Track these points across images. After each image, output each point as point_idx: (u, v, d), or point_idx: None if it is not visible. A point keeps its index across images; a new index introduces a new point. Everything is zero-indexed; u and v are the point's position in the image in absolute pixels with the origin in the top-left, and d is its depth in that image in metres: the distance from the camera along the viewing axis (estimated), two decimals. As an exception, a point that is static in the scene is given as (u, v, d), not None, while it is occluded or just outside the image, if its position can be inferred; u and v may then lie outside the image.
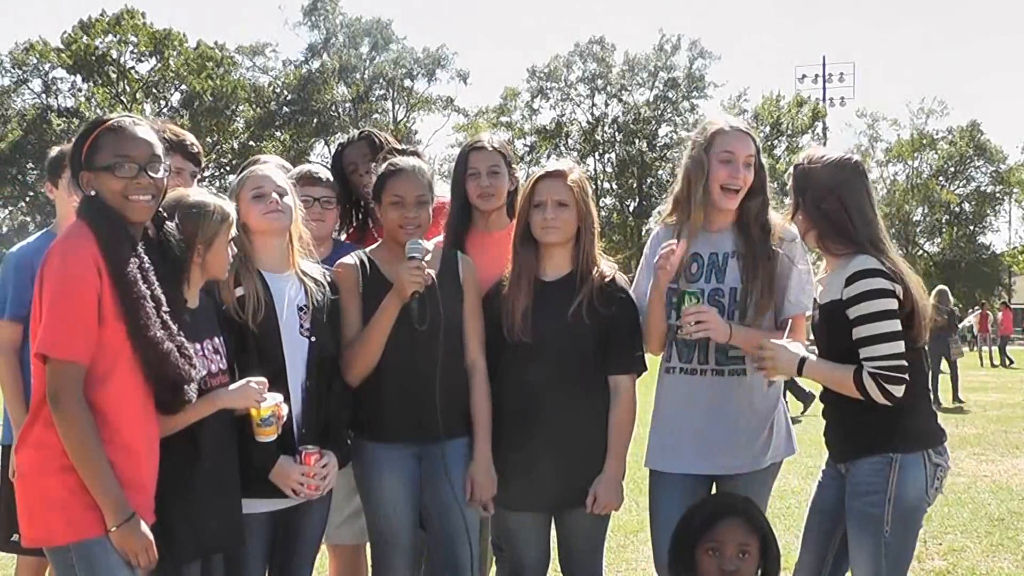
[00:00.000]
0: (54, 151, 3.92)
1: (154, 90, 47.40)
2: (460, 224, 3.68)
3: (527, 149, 48.72)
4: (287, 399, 2.97)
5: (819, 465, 3.26)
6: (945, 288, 15.23)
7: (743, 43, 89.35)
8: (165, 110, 46.09)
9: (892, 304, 2.90)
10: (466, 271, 3.39)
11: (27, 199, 45.26)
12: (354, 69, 49.31)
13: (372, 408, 3.23)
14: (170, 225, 2.74)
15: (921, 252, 49.90)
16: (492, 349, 3.33)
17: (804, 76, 51.75)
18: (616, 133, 49.54)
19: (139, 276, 2.53)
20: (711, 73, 67.79)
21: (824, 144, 43.69)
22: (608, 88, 49.88)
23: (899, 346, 2.89)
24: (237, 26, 75.29)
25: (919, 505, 2.97)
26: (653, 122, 49.52)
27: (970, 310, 33.38)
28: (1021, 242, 53.96)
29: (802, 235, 3.15)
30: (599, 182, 48.06)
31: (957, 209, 52.14)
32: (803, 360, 3.01)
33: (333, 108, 49.19)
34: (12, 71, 45.60)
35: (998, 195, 53.54)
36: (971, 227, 52.66)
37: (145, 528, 2.51)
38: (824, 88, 51.65)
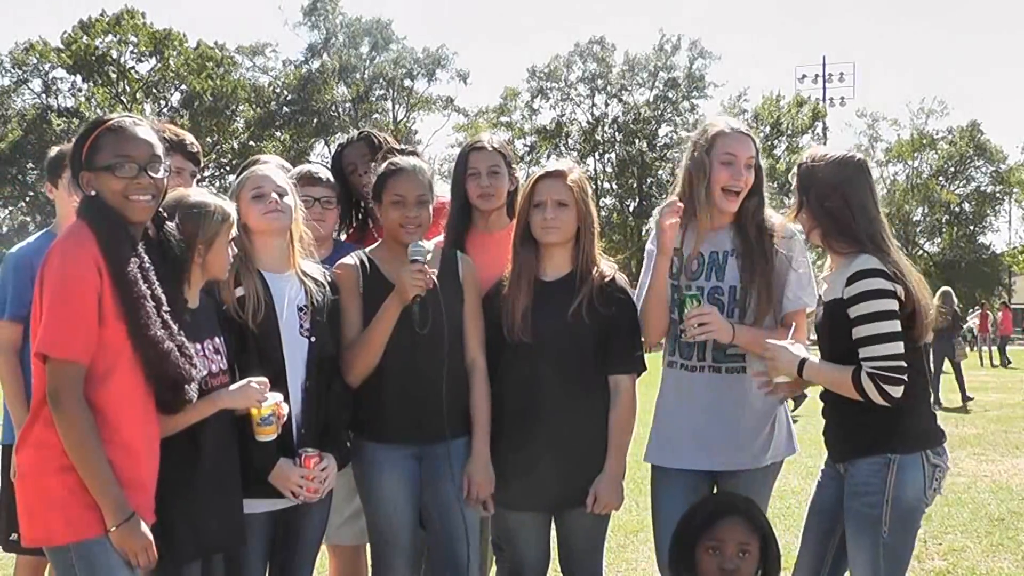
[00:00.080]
0: (53, 151, 3.93)
1: (154, 90, 47.38)
2: (460, 224, 3.68)
3: (527, 149, 48.69)
4: (286, 399, 2.97)
5: (819, 465, 3.27)
6: (949, 289, 15.23)
7: (743, 43, 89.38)
8: (165, 110, 46.09)
9: (892, 305, 2.91)
10: (466, 271, 3.39)
11: (27, 199, 45.25)
12: (354, 69, 49.29)
13: (372, 409, 3.23)
14: (170, 225, 2.74)
15: (921, 252, 49.88)
16: (492, 349, 3.33)
17: (804, 76, 51.77)
18: (616, 133, 49.52)
19: (139, 276, 2.53)
20: (711, 73, 67.91)
21: (824, 144, 43.70)
22: (608, 88, 49.85)
23: (898, 347, 2.89)
24: (237, 26, 75.23)
25: (917, 506, 2.97)
26: (653, 122, 49.49)
27: (970, 310, 33.38)
28: (1021, 242, 53.99)
29: (806, 233, 3.16)
30: (599, 182, 48.05)
31: (957, 209, 52.13)
32: (803, 361, 3.01)
33: (333, 108, 49.18)
34: (12, 71, 45.59)
35: (998, 195, 53.54)
36: (971, 227, 52.66)
37: (145, 528, 2.51)
38: (824, 88, 51.66)
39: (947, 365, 14.86)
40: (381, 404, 3.21)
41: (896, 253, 3.01)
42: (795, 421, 3.68)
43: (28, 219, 45.02)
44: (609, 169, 50.01)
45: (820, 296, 3.17)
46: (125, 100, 44.62)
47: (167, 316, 2.57)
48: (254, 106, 47.96)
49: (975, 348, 27.30)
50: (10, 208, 47.59)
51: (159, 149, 2.65)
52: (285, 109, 48.64)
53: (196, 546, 2.77)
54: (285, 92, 48.86)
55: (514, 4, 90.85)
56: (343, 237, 4.06)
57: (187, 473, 2.73)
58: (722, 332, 3.15)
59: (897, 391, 2.88)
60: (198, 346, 2.74)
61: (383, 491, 3.23)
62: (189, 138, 3.75)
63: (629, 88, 50.08)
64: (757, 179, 3.32)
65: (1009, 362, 25.16)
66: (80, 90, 46.26)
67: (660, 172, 47.16)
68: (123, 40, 45.74)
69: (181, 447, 2.72)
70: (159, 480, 2.65)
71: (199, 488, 2.75)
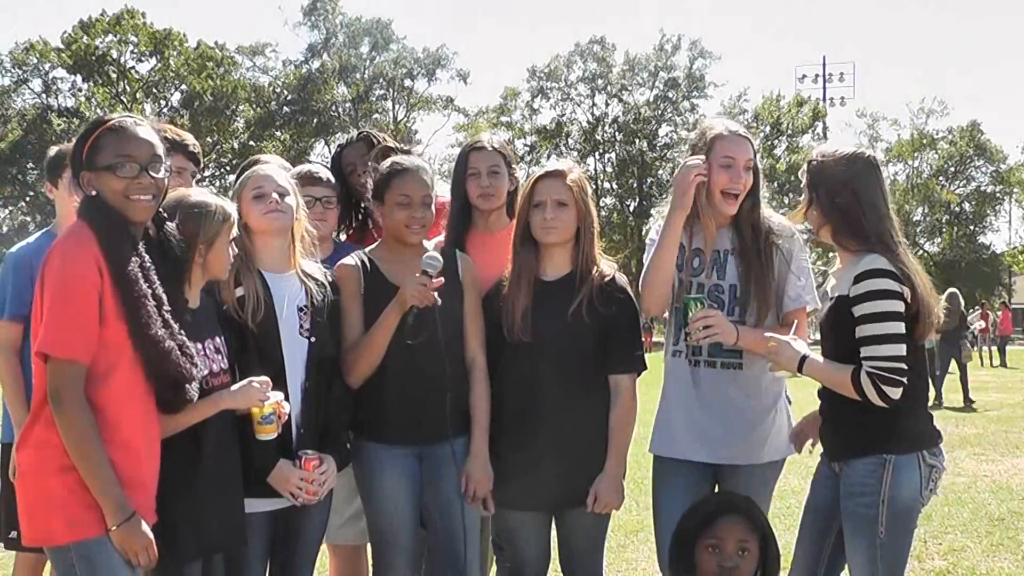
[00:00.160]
0: (53, 151, 3.93)
1: (154, 90, 47.38)
2: (460, 224, 3.68)
3: (527, 149, 48.65)
4: (286, 400, 2.97)
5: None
6: (956, 291, 15.23)
7: (743, 43, 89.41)
8: (165, 110, 46.10)
9: (898, 306, 2.91)
10: (466, 270, 3.39)
11: (27, 199, 45.25)
12: (354, 69, 49.29)
13: (373, 409, 3.23)
14: (170, 225, 2.74)
15: (921, 252, 49.84)
16: (492, 349, 3.33)
17: (804, 76, 51.84)
18: (616, 133, 49.49)
19: (140, 275, 2.53)
20: (711, 73, 67.84)
21: (824, 144, 43.58)
22: (608, 88, 49.83)
23: (900, 349, 2.89)
24: (237, 26, 75.37)
25: (914, 506, 2.98)
26: (653, 122, 49.47)
27: (971, 310, 33.38)
28: (1021, 242, 53.98)
29: (815, 230, 3.16)
30: (599, 182, 48.02)
31: (957, 209, 52.14)
32: (804, 358, 3.01)
33: (333, 108, 49.18)
34: (12, 71, 45.60)
35: (998, 195, 53.55)
36: (971, 227, 52.66)
37: (145, 527, 2.51)
38: (824, 88, 51.71)
39: (952, 365, 14.86)
40: (382, 404, 3.21)
41: (905, 253, 3.01)
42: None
43: (28, 219, 45.04)
44: (609, 169, 49.99)
45: (827, 292, 3.17)
46: (125, 100, 44.62)
47: (168, 315, 2.58)
48: (254, 106, 47.96)
49: (975, 348, 27.32)
50: (10, 208, 47.62)
51: (160, 149, 2.66)
52: (285, 109, 48.64)
53: (197, 546, 2.77)
54: (285, 92, 48.85)
55: (514, 4, 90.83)
56: (343, 237, 4.06)
57: (188, 473, 2.73)
58: (727, 334, 3.16)
59: (896, 393, 2.88)
60: (199, 346, 2.74)
61: (384, 491, 3.23)
62: (190, 139, 3.76)
63: (629, 88, 50.07)
64: (755, 181, 3.33)
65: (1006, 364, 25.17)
66: (80, 90, 46.29)
67: (660, 172, 47.11)
68: (123, 40, 45.74)
69: (182, 447, 2.72)
70: (160, 480, 2.65)
71: (200, 488, 2.75)
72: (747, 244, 3.29)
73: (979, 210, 52.68)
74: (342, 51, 49.16)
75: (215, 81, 46.03)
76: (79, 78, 45.91)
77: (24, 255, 3.65)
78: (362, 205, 4.06)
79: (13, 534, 3.39)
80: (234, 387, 2.84)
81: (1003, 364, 25.27)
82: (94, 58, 44.91)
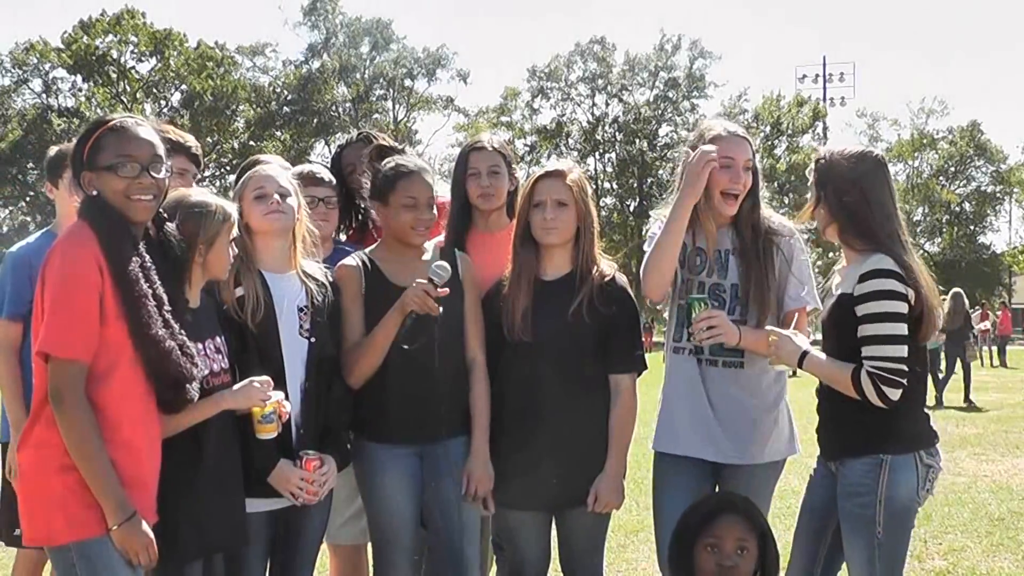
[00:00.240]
0: (53, 151, 3.93)
1: (154, 90, 47.40)
2: (460, 224, 3.68)
3: (527, 149, 48.67)
4: (286, 400, 2.97)
5: (817, 465, 3.27)
6: (960, 290, 15.22)
7: (743, 43, 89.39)
8: (165, 110, 46.10)
9: (902, 307, 2.91)
10: (465, 269, 3.39)
11: (27, 199, 45.28)
12: (354, 69, 49.30)
13: (374, 409, 3.23)
14: (170, 226, 2.74)
15: (921, 252, 49.83)
16: (492, 349, 3.33)
17: (804, 76, 51.84)
18: (616, 133, 49.50)
19: (141, 275, 2.53)
20: (711, 73, 67.82)
21: (825, 144, 43.57)
22: (609, 88, 49.84)
23: (902, 350, 2.89)
24: (237, 26, 75.42)
25: (911, 506, 2.98)
26: (653, 122, 49.49)
27: (971, 311, 33.35)
28: (1021, 242, 53.99)
29: (822, 229, 3.16)
30: (599, 182, 48.04)
31: (957, 209, 52.17)
32: (805, 353, 3.02)
33: (333, 108, 49.19)
34: (12, 71, 45.63)
35: (998, 195, 53.58)
36: (971, 227, 52.69)
37: (146, 527, 2.51)
38: (824, 88, 51.71)
39: (957, 366, 14.85)
40: (382, 404, 3.21)
41: (911, 254, 3.01)
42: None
43: (28, 219, 45.06)
44: (609, 169, 50.00)
45: (831, 289, 3.17)
46: (125, 100, 44.64)
47: (168, 315, 2.58)
48: (254, 106, 47.97)
49: (977, 347, 27.33)
50: (10, 208, 47.63)
51: (161, 149, 2.66)
52: (285, 109, 48.66)
53: (198, 546, 2.77)
54: (285, 92, 48.87)
55: (514, 4, 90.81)
56: (343, 238, 4.06)
57: (189, 473, 2.73)
58: (730, 335, 3.16)
59: (895, 394, 2.89)
60: (199, 345, 2.74)
61: (385, 490, 3.23)
62: (191, 140, 3.77)
63: (629, 88, 50.09)
64: (754, 181, 3.34)
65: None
66: (80, 90, 46.31)
67: (660, 172, 47.11)
68: (123, 40, 45.76)
69: (183, 447, 2.72)
70: (162, 480, 2.65)
71: (201, 487, 2.75)
72: (747, 244, 3.30)
73: (979, 210, 52.71)
74: (342, 51, 49.17)
75: (215, 81, 46.04)
76: (79, 78, 45.94)
77: (23, 255, 3.66)
78: (362, 205, 4.06)
79: (17, 531, 3.39)
80: (235, 387, 2.84)
81: (1003, 364, 25.27)
82: (94, 58, 44.93)
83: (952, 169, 52.52)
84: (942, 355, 14.66)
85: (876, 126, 53.29)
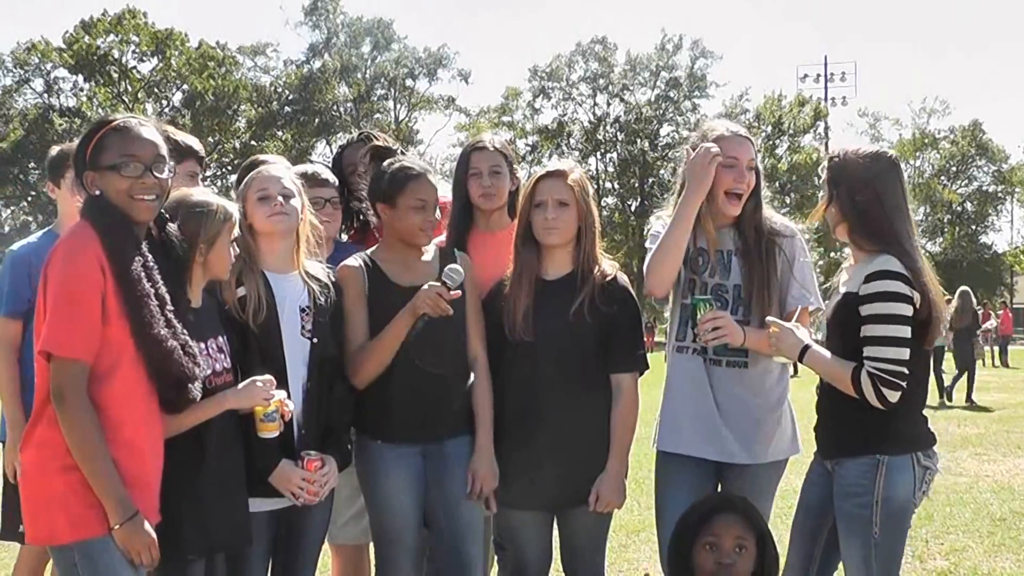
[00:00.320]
0: (55, 151, 3.94)
1: (156, 90, 47.42)
2: (461, 224, 3.68)
3: (529, 149, 48.68)
4: (288, 399, 2.97)
5: (816, 465, 3.27)
6: (967, 289, 15.18)
7: (745, 43, 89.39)
8: (167, 110, 46.12)
9: (906, 310, 2.90)
10: (465, 269, 3.39)
11: (29, 199, 45.32)
12: (355, 69, 49.31)
13: (377, 408, 3.23)
14: (172, 226, 2.75)
15: (923, 252, 49.84)
16: (494, 349, 3.33)
17: (806, 75, 51.76)
18: (618, 133, 49.50)
19: (143, 274, 2.53)
20: (713, 73, 67.55)
21: (826, 144, 43.66)
22: (610, 88, 49.84)
23: (904, 352, 2.89)
24: (238, 26, 75.59)
25: (907, 507, 2.98)
26: (655, 122, 49.49)
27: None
28: (1023, 242, 53.96)
29: (832, 228, 3.15)
30: (601, 182, 48.04)
31: (959, 209, 52.16)
32: (806, 347, 3.02)
33: (335, 108, 49.20)
34: (14, 71, 45.66)
35: (1000, 195, 53.57)
36: (973, 227, 52.69)
37: (148, 527, 2.52)
38: (826, 87, 51.65)
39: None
40: (386, 403, 3.21)
41: (920, 257, 3.00)
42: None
43: (30, 219, 45.09)
44: (611, 169, 50.00)
45: (836, 286, 3.17)
46: (127, 100, 44.67)
47: (170, 315, 2.58)
48: (255, 106, 47.99)
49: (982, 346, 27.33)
50: (12, 208, 47.67)
51: (164, 149, 2.66)
52: (287, 109, 48.68)
53: (201, 545, 2.77)
54: (286, 92, 48.89)
55: (515, 4, 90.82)
56: (344, 238, 4.06)
57: (192, 472, 2.73)
58: (734, 335, 3.16)
59: (894, 396, 2.89)
60: (201, 345, 2.74)
61: (388, 490, 3.23)
62: (196, 143, 3.77)
63: (631, 88, 50.08)
64: (756, 181, 3.34)
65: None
66: (82, 90, 46.34)
67: (662, 172, 47.14)
68: (125, 40, 45.77)
69: (186, 447, 2.72)
70: (164, 480, 2.66)
71: (204, 487, 2.75)
72: (750, 245, 3.30)
73: (981, 210, 52.70)
74: (343, 51, 49.18)
75: (216, 81, 46.06)
76: (81, 78, 45.96)
77: (23, 253, 3.67)
78: (360, 206, 4.06)
79: (22, 528, 3.40)
80: (239, 386, 2.84)
81: (1005, 364, 25.27)
82: (96, 58, 44.94)
83: (953, 169, 52.52)
84: (946, 354, 14.64)
85: (878, 126, 53.37)
